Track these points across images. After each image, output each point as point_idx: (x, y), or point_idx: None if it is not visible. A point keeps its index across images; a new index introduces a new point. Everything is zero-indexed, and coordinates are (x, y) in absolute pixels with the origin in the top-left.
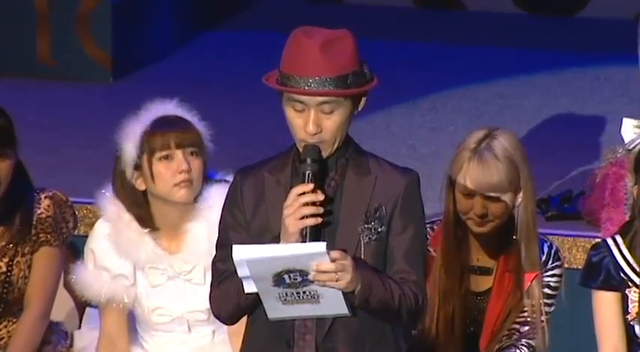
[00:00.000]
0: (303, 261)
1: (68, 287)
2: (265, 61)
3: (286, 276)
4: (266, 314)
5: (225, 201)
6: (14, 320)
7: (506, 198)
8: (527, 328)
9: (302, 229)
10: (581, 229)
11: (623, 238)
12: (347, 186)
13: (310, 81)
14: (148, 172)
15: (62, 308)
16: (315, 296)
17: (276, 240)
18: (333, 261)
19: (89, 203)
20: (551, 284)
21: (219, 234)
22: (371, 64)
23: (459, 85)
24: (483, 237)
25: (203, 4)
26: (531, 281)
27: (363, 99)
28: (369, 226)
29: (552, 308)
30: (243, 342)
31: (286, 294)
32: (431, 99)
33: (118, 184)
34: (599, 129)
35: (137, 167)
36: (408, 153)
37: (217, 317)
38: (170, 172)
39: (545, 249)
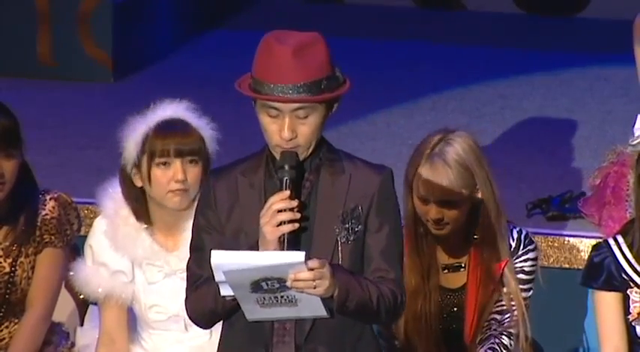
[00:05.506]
0: (280, 270)
1: (69, 287)
2: None
3: (264, 283)
4: (245, 316)
5: (197, 203)
6: (16, 320)
7: (462, 202)
8: (505, 316)
9: (280, 236)
10: (582, 229)
11: (625, 238)
12: (322, 186)
13: (284, 88)
14: (145, 174)
15: (63, 309)
16: (293, 300)
17: (250, 242)
18: (310, 269)
19: (89, 203)
20: (526, 269)
21: (192, 236)
22: (371, 64)
23: (459, 85)
24: (447, 238)
25: (203, 4)
26: (502, 270)
27: (336, 104)
28: (347, 226)
29: (530, 293)
30: (218, 347)
31: (264, 298)
32: (431, 99)
33: (121, 176)
34: (599, 129)
35: (136, 165)
36: (408, 153)
37: (193, 321)
38: (166, 179)
39: (515, 235)
